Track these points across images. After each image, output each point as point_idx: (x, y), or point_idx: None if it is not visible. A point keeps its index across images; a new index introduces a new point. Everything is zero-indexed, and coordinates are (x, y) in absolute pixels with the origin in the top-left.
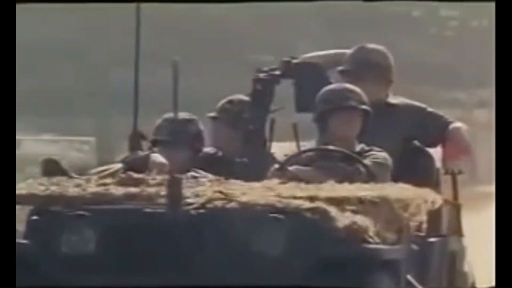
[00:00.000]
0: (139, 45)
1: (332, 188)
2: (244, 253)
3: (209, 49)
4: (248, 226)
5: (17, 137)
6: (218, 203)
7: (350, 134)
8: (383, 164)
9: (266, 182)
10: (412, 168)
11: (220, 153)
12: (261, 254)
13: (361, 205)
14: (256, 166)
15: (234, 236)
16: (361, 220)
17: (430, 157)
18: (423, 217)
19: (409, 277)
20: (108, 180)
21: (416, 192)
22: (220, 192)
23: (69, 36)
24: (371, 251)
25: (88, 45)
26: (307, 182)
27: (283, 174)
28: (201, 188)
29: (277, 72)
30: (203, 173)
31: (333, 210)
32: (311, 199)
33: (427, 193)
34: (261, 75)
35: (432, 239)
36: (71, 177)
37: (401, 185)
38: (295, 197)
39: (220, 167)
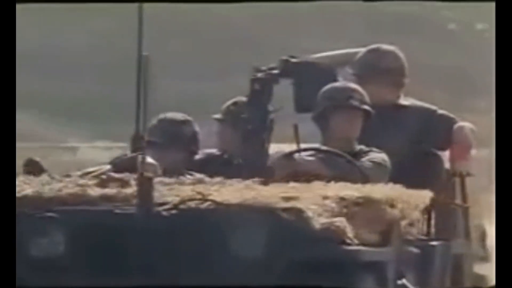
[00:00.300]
0: (142, 46)
1: (318, 188)
2: (217, 255)
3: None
4: (222, 227)
5: (72, 144)
6: (192, 204)
7: (351, 134)
8: (380, 165)
9: (250, 183)
10: (420, 171)
11: (225, 155)
12: (235, 256)
13: (344, 205)
14: (254, 167)
15: (208, 238)
16: (340, 220)
17: (438, 160)
18: (413, 218)
19: (404, 280)
20: (89, 181)
21: (404, 193)
22: (199, 192)
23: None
24: (350, 252)
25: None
26: (308, 172)
27: (287, 164)
28: (180, 188)
29: (276, 72)
30: (198, 175)
31: (310, 211)
32: (291, 199)
33: (417, 194)
34: (259, 74)
35: (434, 243)
36: (52, 178)
37: (391, 185)
38: (274, 197)
39: (225, 169)
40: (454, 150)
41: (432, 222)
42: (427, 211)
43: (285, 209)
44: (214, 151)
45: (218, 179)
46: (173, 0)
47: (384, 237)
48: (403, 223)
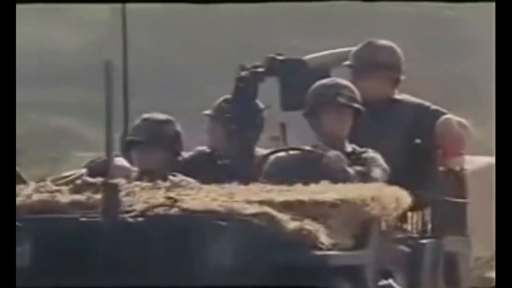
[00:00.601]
0: (126, 45)
1: (296, 191)
2: (184, 263)
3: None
4: (189, 234)
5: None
6: (160, 210)
7: (340, 131)
8: (385, 170)
9: (230, 185)
10: (415, 167)
11: (216, 152)
12: (203, 263)
13: (319, 208)
14: (240, 166)
15: (175, 245)
16: (311, 224)
17: (433, 156)
18: (399, 217)
19: (390, 280)
20: (63, 187)
21: (385, 192)
22: (169, 198)
23: None
24: (322, 257)
25: None
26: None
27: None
28: (153, 194)
29: (261, 70)
30: (181, 177)
31: (281, 215)
32: (264, 203)
33: (400, 193)
34: (244, 73)
35: (424, 241)
36: (27, 185)
37: (372, 185)
38: (247, 202)
39: (215, 166)
40: (443, 146)
41: (426, 219)
42: (420, 208)
43: (254, 215)
44: (204, 148)
45: (195, 183)
46: (174, 0)
47: (363, 239)
48: (389, 222)
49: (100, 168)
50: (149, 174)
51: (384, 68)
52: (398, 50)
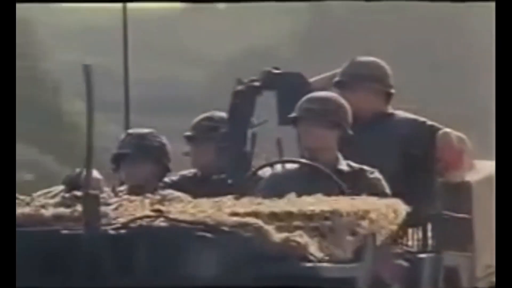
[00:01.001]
0: (127, 45)
1: (286, 203)
2: (169, 276)
3: None
4: (173, 245)
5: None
6: (143, 222)
7: (317, 145)
8: (385, 187)
9: (220, 200)
10: (411, 182)
11: (199, 174)
12: (188, 277)
13: (309, 220)
14: (237, 183)
15: (157, 256)
16: (299, 235)
17: (431, 169)
18: (394, 231)
19: None
20: (50, 201)
21: (378, 204)
22: (157, 210)
23: None
24: (310, 269)
25: None
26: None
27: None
28: (138, 207)
29: (257, 84)
30: (175, 193)
31: (268, 226)
32: (251, 215)
33: (392, 205)
34: (240, 87)
35: (422, 255)
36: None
37: (364, 198)
38: (234, 213)
39: (201, 187)
40: (443, 159)
41: (425, 234)
42: (419, 223)
43: (240, 225)
44: (186, 172)
45: (186, 197)
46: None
47: (356, 252)
48: (384, 235)
49: (76, 181)
50: (138, 188)
51: (370, 81)
52: (384, 64)
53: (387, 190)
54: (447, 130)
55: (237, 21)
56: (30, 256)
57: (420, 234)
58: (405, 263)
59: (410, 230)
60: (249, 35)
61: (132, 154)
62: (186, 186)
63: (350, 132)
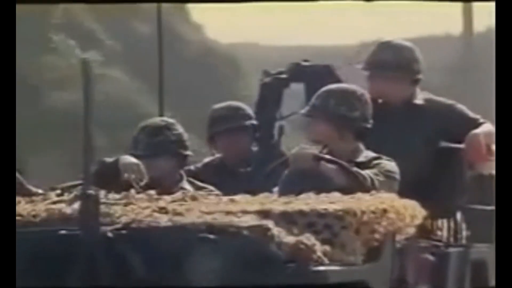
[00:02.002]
0: (162, 46)
1: (300, 201)
2: (170, 279)
3: None
4: (175, 248)
5: None
6: (145, 223)
7: (322, 138)
8: (388, 177)
9: (238, 197)
10: (440, 173)
11: (224, 162)
12: (190, 281)
13: (322, 219)
14: (263, 175)
15: (157, 260)
16: (308, 238)
17: (458, 159)
18: (405, 230)
19: None
20: (63, 197)
21: (399, 203)
22: (162, 208)
23: None
24: (319, 273)
25: None
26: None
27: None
28: (141, 205)
29: (285, 76)
30: (199, 183)
31: (277, 228)
32: (261, 214)
33: (413, 204)
34: (268, 79)
35: (450, 249)
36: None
37: (384, 194)
38: (243, 212)
39: (225, 177)
40: (469, 151)
41: (452, 227)
42: (446, 216)
43: (248, 228)
44: (209, 160)
45: (207, 190)
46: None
47: (372, 252)
48: (405, 233)
49: (107, 169)
50: (158, 185)
51: (401, 69)
52: (415, 48)
53: (397, 176)
54: (478, 130)
55: None
56: (29, 257)
57: (448, 227)
58: (431, 257)
59: (438, 223)
60: None
61: (148, 155)
62: (211, 176)
63: (370, 124)
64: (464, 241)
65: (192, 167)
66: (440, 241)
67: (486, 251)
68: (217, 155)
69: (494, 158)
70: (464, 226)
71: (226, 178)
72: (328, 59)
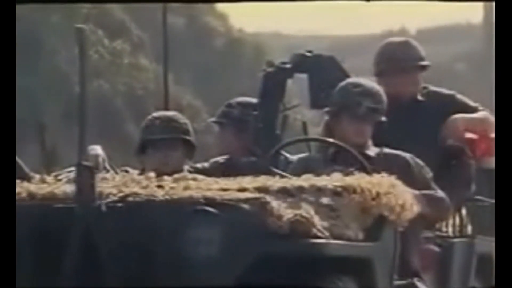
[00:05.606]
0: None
1: (299, 179)
2: (166, 254)
3: None
4: (172, 222)
5: None
6: (140, 198)
7: (358, 141)
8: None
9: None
10: (448, 166)
11: (230, 160)
12: (187, 255)
13: (320, 195)
14: (267, 166)
15: (156, 234)
16: (307, 211)
17: (464, 153)
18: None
19: (415, 279)
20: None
21: (395, 187)
22: (159, 186)
23: None
24: (318, 246)
25: None
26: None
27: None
28: (136, 181)
29: (289, 66)
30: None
31: (276, 202)
32: (259, 190)
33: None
34: (271, 69)
35: (454, 240)
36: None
37: (382, 176)
38: (241, 189)
39: (231, 171)
40: (472, 143)
41: (458, 219)
42: (456, 208)
43: (245, 200)
44: (218, 159)
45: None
46: (178, 1)
47: (371, 231)
48: (408, 218)
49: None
50: (167, 170)
51: (406, 62)
52: (415, 43)
53: (426, 175)
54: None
55: None
56: (27, 232)
57: (455, 219)
58: (436, 248)
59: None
60: None
61: (164, 139)
62: (216, 171)
63: (384, 119)
64: (468, 233)
65: (198, 165)
66: (445, 232)
67: (490, 244)
68: (222, 155)
69: (473, 144)
70: (469, 218)
71: (230, 171)
72: (351, 49)
